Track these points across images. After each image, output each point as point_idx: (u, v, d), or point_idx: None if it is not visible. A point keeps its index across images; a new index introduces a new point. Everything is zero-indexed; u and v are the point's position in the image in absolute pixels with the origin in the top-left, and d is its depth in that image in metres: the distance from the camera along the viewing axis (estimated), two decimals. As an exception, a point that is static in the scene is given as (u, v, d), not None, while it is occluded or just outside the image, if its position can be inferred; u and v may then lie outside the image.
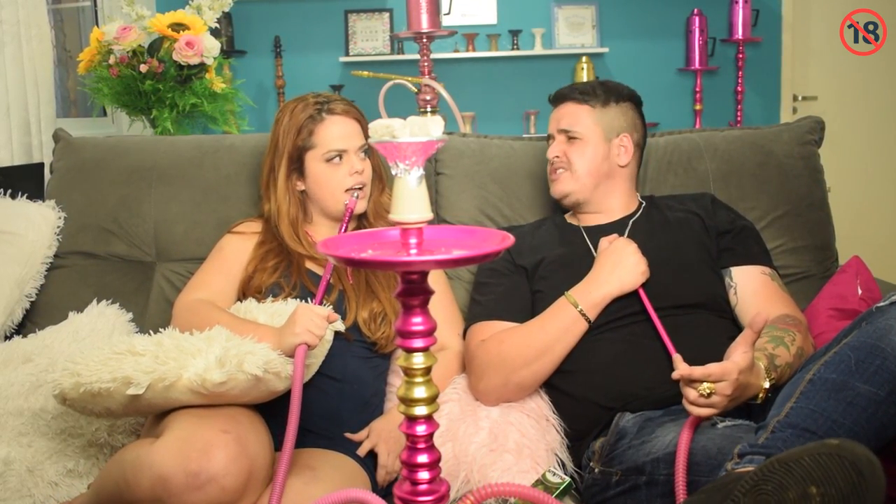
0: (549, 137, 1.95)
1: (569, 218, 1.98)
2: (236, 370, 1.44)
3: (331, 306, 1.72)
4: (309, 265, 1.83)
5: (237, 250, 1.86)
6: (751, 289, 1.77)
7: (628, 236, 1.81)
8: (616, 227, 1.86)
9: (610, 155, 1.88)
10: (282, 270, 1.80)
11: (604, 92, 1.90)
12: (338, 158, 1.81)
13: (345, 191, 1.81)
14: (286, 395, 1.62)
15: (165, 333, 1.54)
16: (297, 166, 1.85)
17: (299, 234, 1.85)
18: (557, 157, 1.90)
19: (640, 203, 1.93)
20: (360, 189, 1.82)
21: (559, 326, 1.68)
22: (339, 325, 1.71)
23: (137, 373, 1.43)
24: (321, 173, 1.82)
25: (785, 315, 1.69)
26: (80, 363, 1.46)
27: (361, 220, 1.93)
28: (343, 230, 1.72)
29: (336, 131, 1.82)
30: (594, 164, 1.87)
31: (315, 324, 1.53)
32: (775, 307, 1.72)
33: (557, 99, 1.95)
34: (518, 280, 1.84)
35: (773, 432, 1.26)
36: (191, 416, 1.43)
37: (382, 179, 1.94)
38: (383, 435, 1.67)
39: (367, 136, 1.81)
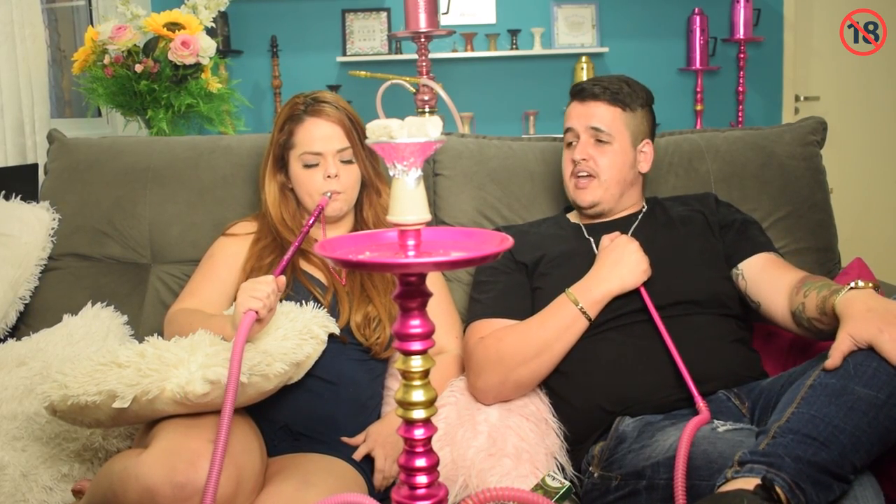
0: (568, 132, 1.86)
1: (570, 216, 1.96)
2: (218, 380, 1.42)
3: (325, 308, 1.71)
4: (304, 266, 1.82)
5: (228, 255, 1.85)
6: (758, 267, 1.74)
7: (632, 235, 1.80)
8: (619, 226, 1.84)
9: (635, 162, 1.84)
10: (275, 267, 1.78)
11: (632, 94, 1.83)
12: (314, 162, 1.80)
13: (321, 194, 1.79)
14: (280, 397, 1.63)
15: (149, 342, 1.52)
16: (282, 163, 1.86)
17: (289, 222, 1.85)
18: (585, 159, 1.81)
19: (644, 204, 1.92)
20: (339, 193, 1.80)
21: (559, 324, 1.66)
22: (334, 328, 1.69)
23: (121, 386, 1.42)
24: (299, 174, 1.82)
25: (805, 275, 1.66)
26: (69, 375, 1.46)
27: (360, 224, 1.92)
28: (308, 226, 1.67)
29: (313, 133, 1.80)
30: (622, 173, 1.82)
31: (256, 289, 1.48)
32: (789, 273, 1.69)
33: (587, 94, 1.84)
34: (518, 278, 1.82)
35: (774, 438, 1.25)
36: (178, 427, 1.41)
37: (375, 184, 1.91)
38: (380, 439, 1.66)
39: (357, 139, 1.81)
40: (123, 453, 1.47)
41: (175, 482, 1.29)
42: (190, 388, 1.40)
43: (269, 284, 1.49)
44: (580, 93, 1.85)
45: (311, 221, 1.68)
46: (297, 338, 1.58)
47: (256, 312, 1.45)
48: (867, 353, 1.29)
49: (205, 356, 1.45)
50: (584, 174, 1.83)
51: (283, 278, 1.54)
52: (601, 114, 1.81)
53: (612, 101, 1.81)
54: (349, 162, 1.83)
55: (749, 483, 1.19)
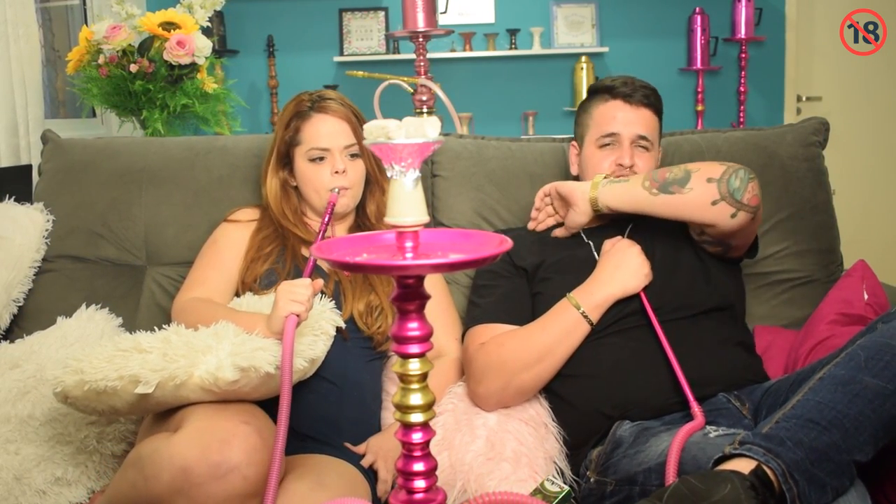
0: (611, 135, 1.84)
1: None
2: (249, 367, 1.42)
3: (330, 298, 1.71)
4: (306, 254, 1.82)
5: (231, 241, 1.86)
6: None
7: (630, 236, 1.79)
8: (616, 226, 1.83)
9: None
10: (276, 255, 1.80)
11: (658, 101, 1.87)
12: (320, 157, 1.81)
13: (329, 190, 1.80)
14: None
15: (172, 330, 1.52)
16: (287, 161, 1.86)
17: (291, 217, 1.86)
18: (632, 165, 1.81)
19: None
20: (346, 189, 1.81)
21: (561, 329, 1.66)
22: (339, 321, 1.68)
23: (145, 371, 1.41)
24: (305, 170, 1.83)
25: None
26: (84, 360, 1.44)
27: (363, 223, 1.93)
28: (324, 225, 1.70)
29: (320, 129, 1.81)
30: None
31: (295, 293, 1.50)
32: None
33: (635, 99, 1.83)
34: (518, 282, 1.82)
35: (777, 423, 1.25)
36: (209, 409, 1.41)
37: (379, 181, 1.92)
38: (381, 452, 1.65)
39: (362, 136, 1.80)
40: (151, 437, 1.45)
41: (211, 461, 1.29)
42: (221, 374, 1.40)
43: (307, 287, 1.51)
44: (629, 96, 1.83)
45: (326, 220, 1.70)
46: (310, 334, 1.59)
47: (298, 316, 1.46)
48: (881, 346, 1.29)
49: (232, 344, 1.45)
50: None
51: (320, 280, 1.55)
52: (647, 122, 1.84)
53: (655, 110, 1.85)
54: (356, 158, 1.84)
55: (746, 466, 1.18)
